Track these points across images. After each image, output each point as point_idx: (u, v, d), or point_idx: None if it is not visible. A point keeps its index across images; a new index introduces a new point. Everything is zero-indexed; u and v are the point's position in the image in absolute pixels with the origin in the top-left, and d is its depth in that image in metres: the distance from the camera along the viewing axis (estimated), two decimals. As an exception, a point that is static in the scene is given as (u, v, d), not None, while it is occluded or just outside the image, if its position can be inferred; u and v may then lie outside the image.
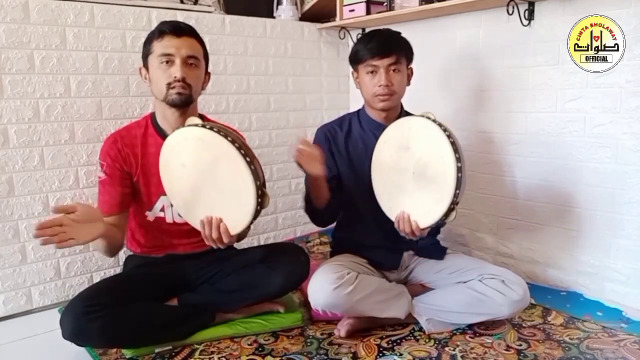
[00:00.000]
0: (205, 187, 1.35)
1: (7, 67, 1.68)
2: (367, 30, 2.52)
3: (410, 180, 1.44)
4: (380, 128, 1.66)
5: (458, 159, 1.32)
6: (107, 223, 1.41)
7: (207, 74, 1.58)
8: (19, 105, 1.71)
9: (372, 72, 1.61)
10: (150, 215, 1.58)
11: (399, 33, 1.68)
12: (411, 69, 1.68)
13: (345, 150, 1.71)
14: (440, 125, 1.38)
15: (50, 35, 1.75)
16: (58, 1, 1.76)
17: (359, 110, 1.76)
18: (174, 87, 1.45)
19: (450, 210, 1.35)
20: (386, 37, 1.63)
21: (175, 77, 1.44)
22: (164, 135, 1.53)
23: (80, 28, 1.81)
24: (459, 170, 1.32)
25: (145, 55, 1.50)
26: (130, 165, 1.53)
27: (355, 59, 1.66)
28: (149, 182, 1.54)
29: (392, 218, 1.51)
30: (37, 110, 1.74)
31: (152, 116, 1.58)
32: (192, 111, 1.55)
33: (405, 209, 1.45)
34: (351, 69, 1.72)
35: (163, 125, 1.55)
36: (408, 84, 1.68)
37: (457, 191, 1.31)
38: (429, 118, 1.42)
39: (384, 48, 1.58)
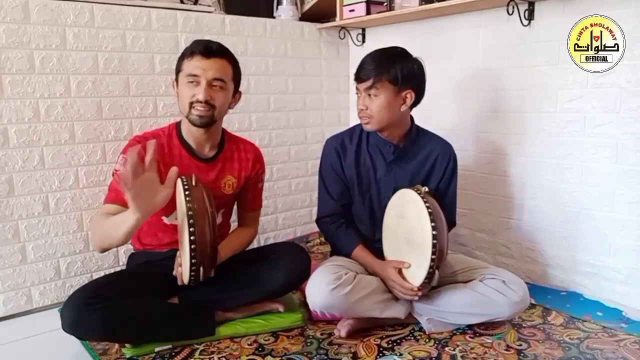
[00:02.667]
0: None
1: (7, 67, 1.68)
2: (366, 30, 2.53)
3: (404, 245, 1.56)
4: (385, 145, 1.68)
5: (433, 228, 1.42)
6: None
7: (238, 93, 1.62)
8: (19, 105, 1.71)
9: (357, 93, 1.63)
10: (167, 220, 1.61)
11: (400, 54, 1.60)
12: (409, 92, 1.57)
13: (355, 163, 1.70)
14: (423, 197, 1.48)
15: (50, 35, 1.74)
16: (58, 1, 1.76)
17: None
18: (195, 108, 1.48)
19: (430, 274, 1.45)
20: (372, 59, 1.57)
21: (197, 98, 1.47)
22: (188, 147, 1.59)
23: (80, 28, 1.81)
24: (434, 237, 1.42)
25: (177, 71, 1.55)
26: (158, 171, 1.52)
27: None
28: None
29: None
30: (37, 110, 1.74)
31: (178, 127, 1.61)
32: (215, 129, 1.59)
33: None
34: None
35: (188, 138, 1.59)
36: (406, 107, 1.60)
37: (434, 256, 1.42)
38: (417, 191, 1.52)
39: (364, 72, 1.57)
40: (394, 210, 1.62)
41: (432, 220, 1.43)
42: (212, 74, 1.48)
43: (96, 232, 1.47)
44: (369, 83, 1.56)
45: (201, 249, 1.34)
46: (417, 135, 1.71)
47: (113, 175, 1.54)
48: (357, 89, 1.62)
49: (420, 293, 1.52)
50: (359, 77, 1.59)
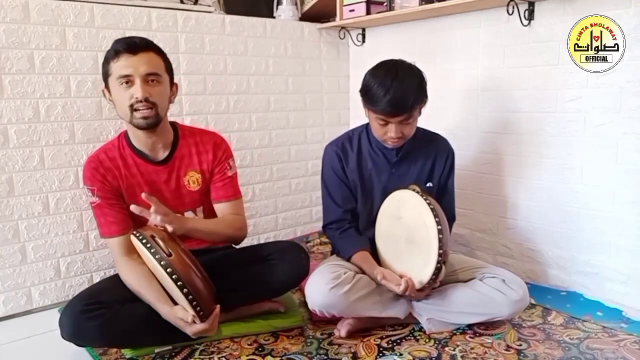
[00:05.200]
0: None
1: (7, 67, 1.68)
2: (366, 30, 2.53)
3: (404, 246, 1.55)
4: (388, 148, 1.67)
5: (438, 223, 1.44)
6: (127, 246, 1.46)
7: (174, 85, 1.53)
8: (19, 105, 1.71)
9: (382, 123, 1.56)
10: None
11: (415, 76, 1.56)
12: (425, 102, 1.60)
13: (358, 168, 1.70)
14: (422, 195, 1.51)
15: (50, 35, 1.75)
16: (58, 1, 1.76)
17: (367, 126, 1.72)
18: (137, 110, 1.41)
19: (438, 269, 1.45)
20: (402, 92, 1.50)
21: (136, 98, 1.39)
22: (141, 155, 1.52)
23: (80, 28, 1.81)
24: (440, 232, 1.43)
25: (105, 76, 1.45)
26: (119, 187, 1.51)
27: (366, 101, 1.58)
28: (138, 200, 1.50)
29: None
30: (37, 110, 1.74)
31: (126, 136, 1.54)
32: (163, 128, 1.52)
33: (403, 273, 1.54)
34: (361, 98, 1.61)
35: (138, 145, 1.53)
36: (420, 114, 1.63)
37: (441, 251, 1.43)
38: (414, 190, 1.55)
39: (398, 109, 1.51)
40: (388, 214, 1.62)
41: (435, 215, 1.44)
42: (145, 70, 1.39)
43: (128, 281, 1.45)
44: (405, 116, 1.53)
45: (195, 291, 1.30)
46: (415, 135, 1.71)
47: (92, 207, 1.50)
48: (383, 120, 1.54)
49: (422, 295, 1.51)
50: (392, 113, 1.52)
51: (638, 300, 1.70)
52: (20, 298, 1.78)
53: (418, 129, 1.73)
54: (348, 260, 1.65)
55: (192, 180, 1.59)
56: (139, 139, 1.52)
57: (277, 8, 2.50)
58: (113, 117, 1.90)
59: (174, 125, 1.60)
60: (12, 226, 1.74)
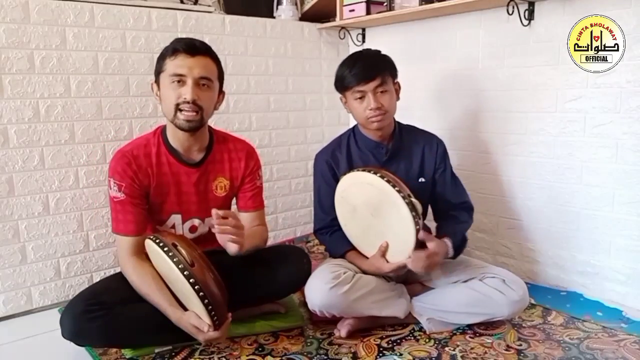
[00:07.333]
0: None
1: (7, 67, 1.68)
2: (366, 30, 2.53)
3: (374, 222, 1.55)
4: (377, 147, 1.69)
5: (381, 176, 1.47)
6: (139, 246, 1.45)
7: (221, 93, 1.55)
8: (19, 105, 1.71)
9: (360, 97, 1.61)
10: (161, 229, 1.59)
11: (379, 52, 1.67)
12: (398, 83, 1.68)
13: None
14: (355, 170, 1.56)
15: (50, 35, 1.75)
16: (58, 1, 1.76)
17: (354, 129, 1.75)
18: (182, 110, 1.41)
19: (413, 210, 1.44)
20: (369, 61, 1.61)
21: (184, 98, 1.40)
22: (176, 155, 1.52)
23: (80, 28, 1.81)
24: (389, 182, 1.46)
25: (158, 72, 1.46)
26: (148, 186, 1.51)
27: (341, 86, 1.65)
28: (163, 200, 1.54)
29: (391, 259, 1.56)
30: (37, 110, 1.75)
31: (163, 133, 1.54)
32: (202, 132, 1.53)
33: (388, 241, 1.55)
34: (339, 95, 1.70)
35: (174, 144, 1.52)
36: (398, 98, 1.67)
37: (402, 194, 1.44)
38: (344, 174, 1.59)
39: (369, 72, 1.58)
40: (341, 211, 1.63)
41: (375, 172, 1.47)
42: (199, 72, 1.41)
43: (135, 282, 1.44)
44: (378, 80, 1.58)
45: (214, 301, 1.30)
46: (402, 133, 1.73)
47: (113, 202, 1.47)
48: (360, 92, 1.59)
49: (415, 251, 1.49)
50: (365, 79, 1.58)
51: (638, 300, 1.70)
52: (20, 298, 1.78)
53: (405, 126, 1.75)
54: (341, 256, 1.66)
55: (220, 186, 1.60)
56: (177, 139, 1.51)
57: (277, 8, 2.50)
58: (113, 117, 1.90)
59: (209, 129, 1.59)
60: (12, 226, 1.74)
